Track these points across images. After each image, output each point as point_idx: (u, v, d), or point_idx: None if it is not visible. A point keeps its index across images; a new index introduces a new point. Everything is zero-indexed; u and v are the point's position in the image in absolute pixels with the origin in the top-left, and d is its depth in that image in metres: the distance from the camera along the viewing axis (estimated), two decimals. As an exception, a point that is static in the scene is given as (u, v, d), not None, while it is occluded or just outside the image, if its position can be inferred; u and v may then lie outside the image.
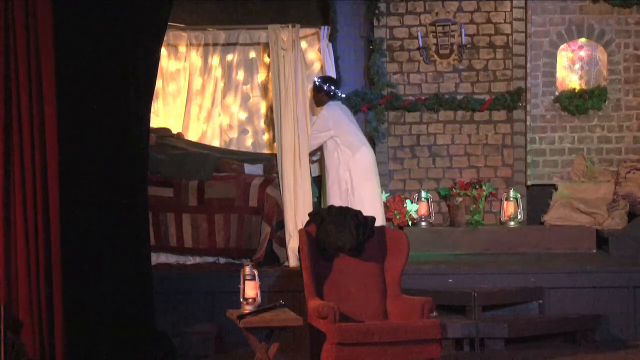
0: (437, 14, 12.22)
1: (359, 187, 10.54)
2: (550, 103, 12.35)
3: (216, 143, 11.36)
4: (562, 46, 12.34)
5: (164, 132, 11.18)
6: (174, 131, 11.33)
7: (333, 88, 10.67)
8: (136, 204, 8.20)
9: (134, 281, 8.03)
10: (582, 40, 12.37)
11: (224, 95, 11.39)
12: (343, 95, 10.97)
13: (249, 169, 10.78)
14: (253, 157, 11.08)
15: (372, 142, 12.14)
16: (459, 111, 12.19)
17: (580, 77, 12.40)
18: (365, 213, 8.87)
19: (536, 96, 12.33)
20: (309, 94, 10.89)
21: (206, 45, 11.34)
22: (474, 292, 9.58)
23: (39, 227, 7.39)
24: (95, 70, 7.77)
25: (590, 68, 12.40)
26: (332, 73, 11.06)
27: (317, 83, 10.71)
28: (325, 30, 11.11)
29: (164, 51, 10.71)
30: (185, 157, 10.71)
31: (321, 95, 10.69)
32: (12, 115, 7.40)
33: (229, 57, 11.36)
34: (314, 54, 11.09)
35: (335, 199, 10.49)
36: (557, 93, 12.35)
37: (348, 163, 10.59)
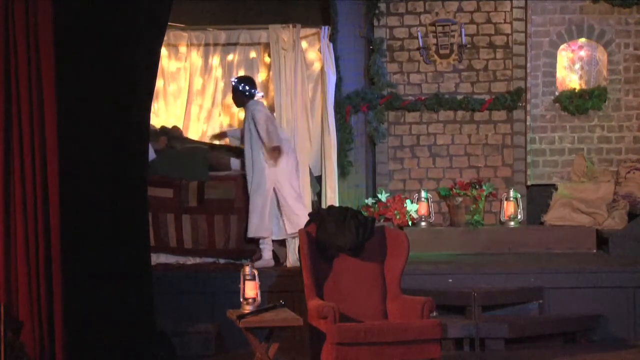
0: (437, 14, 12.23)
1: (284, 187, 10.37)
2: (550, 103, 12.36)
3: (216, 143, 11.34)
4: (562, 46, 12.35)
5: (174, 132, 11.12)
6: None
7: (248, 88, 10.46)
8: (136, 203, 8.20)
9: (134, 281, 8.03)
10: (582, 40, 12.37)
11: (224, 95, 11.39)
12: (261, 94, 10.65)
13: (234, 163, 10.72)
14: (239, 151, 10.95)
15: (372, 142, 12.16)
16: (459, 111, 12.20)
17: (580, 77, 12.41)
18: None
19: (536, 96, 12.34)
20: (309, 93, 10.90)
21: (207, 45, 11.33)
22: (474, 292, 9.58)
23: (39, 227, 7.39)
24: (95, 70, 7.77)
25: (590, 68, 12.40)
26: (332, 73, 11.06)
27: (233, 84, 10.54)
28: (325, 30, 11.09)
29: (164, 51, 10.71)
30: (177, 156, 10.67)
31: (238, 95, 10.49)
32: (12, 116, 7.40)
33: (230, 57, 11.36)
34: (315, 54, 11.10)
35: (259, 198, 10.30)
36: (557, 93, 12.35)
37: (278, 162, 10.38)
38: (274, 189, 10.34)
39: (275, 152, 10.19)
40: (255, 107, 10.40)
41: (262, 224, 10.27)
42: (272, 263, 10.35)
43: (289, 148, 10.39)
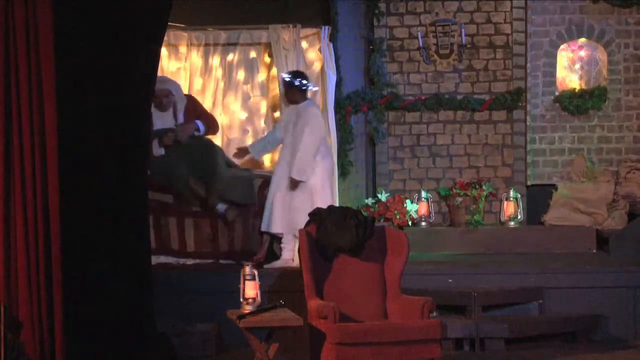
0: (437, 14, 12.24)
1: (326, 188, 10.32)
2: (550, 103, 12.37)
3: (217, 142, 11.31)
4: (562, 46, 12.36)
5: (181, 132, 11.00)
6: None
7: (305, 82, 10.27)
8: (136, 202, 8.20)
9: (134, 281, 8.03)
10: (582, 40, 12.38)
11: (224, 95, 11.39)
12: (315, 88, 10.58)
13: (220, 207, 10.52)
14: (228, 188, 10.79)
15: (372, 142, 12.17)
16: (459, 111, 12.21)
17: (580, 77, 12.42)
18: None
19: (536, 96, 12.35)
20: (309, 93, 10.89)
21: (207, 45, 11.33)
22: (474, 292, 9.58)
23: (39, 227, 7.38)
24: (95, 71, 7.76)
25: (590, 68, 12.41)
26: (332, 73, 11.06)
27: (288, 79, 10.26)
28: (325, 30, 11.10)
29: (164, 51, 10.71)
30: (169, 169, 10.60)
31: (294, 91, 10.27)
32: (12, 116, 7.39)
33: (230, 57, 11.36)
34: (315, 54, 11.10)
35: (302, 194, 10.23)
36: (557, 93, 12.37)
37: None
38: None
39: (294, 184, 10.13)
40: (313, 116, 10.14)
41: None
42: (291, 263, 10.24)
43: (326, 151, 10.35)
